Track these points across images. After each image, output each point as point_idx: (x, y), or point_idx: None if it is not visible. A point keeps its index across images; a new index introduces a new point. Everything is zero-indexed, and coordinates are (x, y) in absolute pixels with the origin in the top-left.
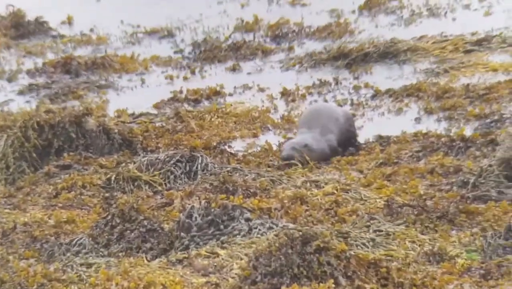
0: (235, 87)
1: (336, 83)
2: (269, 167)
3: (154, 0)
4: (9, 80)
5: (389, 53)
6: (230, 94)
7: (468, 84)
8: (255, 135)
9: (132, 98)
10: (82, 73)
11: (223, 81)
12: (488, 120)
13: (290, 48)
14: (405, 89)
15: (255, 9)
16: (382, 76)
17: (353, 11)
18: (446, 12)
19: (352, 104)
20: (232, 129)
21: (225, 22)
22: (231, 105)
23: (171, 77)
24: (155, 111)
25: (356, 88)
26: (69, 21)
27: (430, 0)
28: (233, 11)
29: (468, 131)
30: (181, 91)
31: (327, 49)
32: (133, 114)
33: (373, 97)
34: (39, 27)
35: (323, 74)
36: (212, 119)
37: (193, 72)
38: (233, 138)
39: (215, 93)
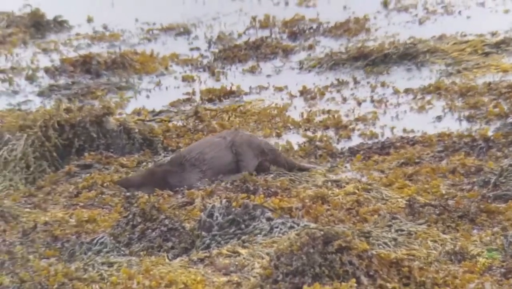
0: (250, 87)
1: (355, 83)
2: None
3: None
4: (29, 79)
5: (408, 55)
6: (246, 94)
7: (489, 83)
8: (278, 135)
9: (151, 100)
10: (102, 73)
11: (243, 82)
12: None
13: (310, 47)
14: (424, 89)
15: (269, 7)
16: (400, 77)
17: (367, 9)
18: (460, 11)
19: (372, 101)
20: (253, 128)
21: (242, 19)
22: (251, 102)
23: (191, 78)
24: (174, 109)
25: (374, 87)
26: (89, 21)
27: None
28: (248, 9)
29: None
30: (193, 93)
31: (347, 49)
32: (152, 111)
33: (393, 95)
34: (58, 26)
35: (342, 74)
36: (231, 118)
37: (213, 74)
38: None
39: (231, 93)
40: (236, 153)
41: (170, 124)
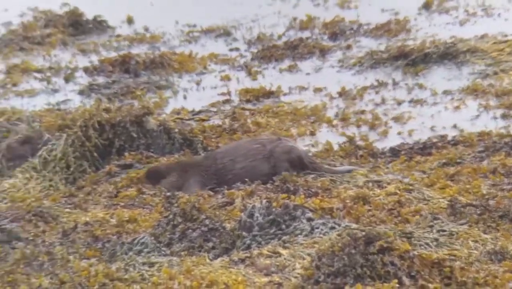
0: (290, 87)
1: (394, 84)
2: None
3: (210, 2)
4: (66, 79)
5: (448, 54)
6: (285, 94)
7: None
8: (312, 133)
9: (189, 100)
10: (141, 72)
11: (281, 81)
12: None
13: (348, 47)
14: (461, 90)
15: (307, 9)
16: (440, 77)
17: (408, 11)
18: (499, 13)
19: (410, 102)
20: (289, 127)
21: (281, 21)
22: (290, 103)
23: (228, 78)
24: (213, 109)
25: (412, 88)
26: (129, 21)
27: (486, 1)
28: (287, 11)
29: None
30: (229, 93)
31: (387, 48)
32: (192, 111)
33: (432, 96)
34: (98, 26)
35: (382, 73)
36: (264, 118)
37: (250, 73)
38: (290, 136)
39: (270, 93)
40: (274, 166)
41: (206, 124)
